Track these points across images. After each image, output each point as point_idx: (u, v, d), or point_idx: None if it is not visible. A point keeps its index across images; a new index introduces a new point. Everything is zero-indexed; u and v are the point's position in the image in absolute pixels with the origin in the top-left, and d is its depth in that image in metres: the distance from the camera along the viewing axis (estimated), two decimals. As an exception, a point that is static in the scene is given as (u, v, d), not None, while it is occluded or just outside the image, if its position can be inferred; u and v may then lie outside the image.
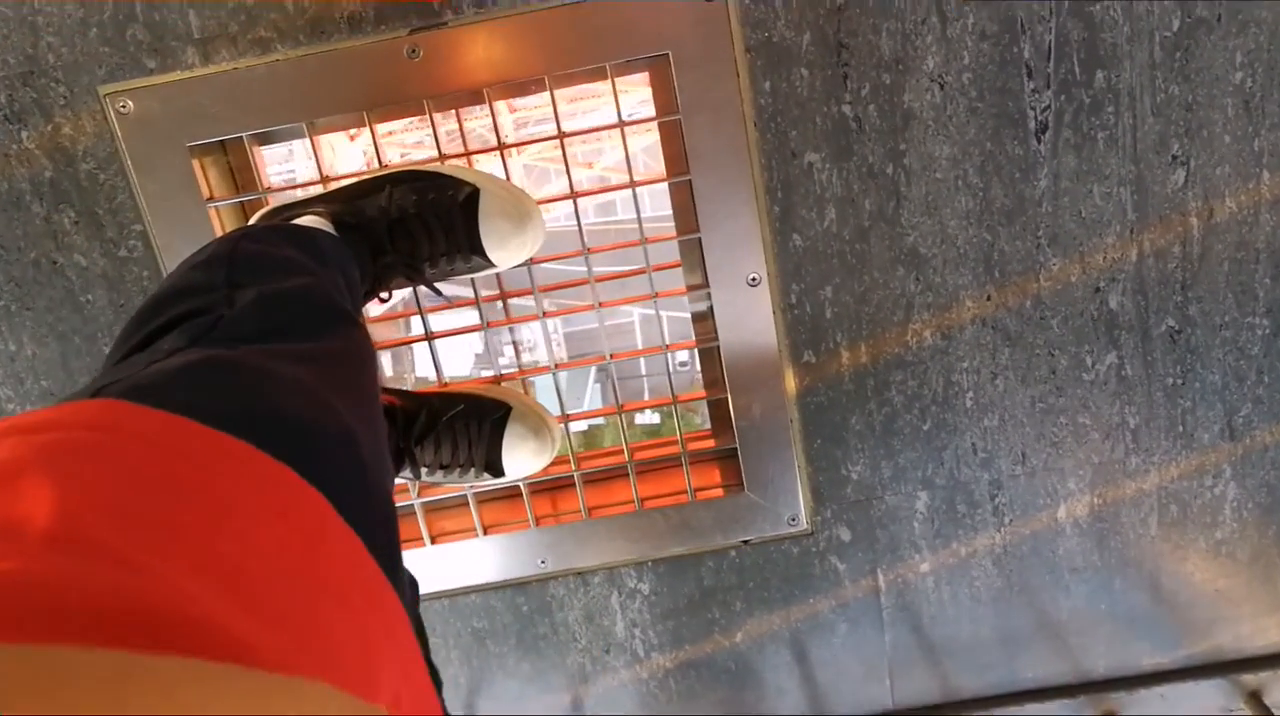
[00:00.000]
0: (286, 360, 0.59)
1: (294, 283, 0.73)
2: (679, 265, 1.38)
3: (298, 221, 1.10)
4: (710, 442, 1.41)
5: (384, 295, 1.14)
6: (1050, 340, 1.30)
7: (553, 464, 1.30)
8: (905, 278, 1.26)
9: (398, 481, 1.23)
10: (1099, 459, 1.37)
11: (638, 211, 1.25)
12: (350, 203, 1.13)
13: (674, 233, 1.29)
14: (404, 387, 1.26)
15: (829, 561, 1.41)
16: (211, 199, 1.22)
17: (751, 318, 1.27)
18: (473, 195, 1.13)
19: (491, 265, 1.15)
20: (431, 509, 1.44)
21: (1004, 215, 1.23)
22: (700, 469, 1.43)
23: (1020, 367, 1.31)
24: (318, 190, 1.19)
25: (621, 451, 1.41)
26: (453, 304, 1.24)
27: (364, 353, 0.73)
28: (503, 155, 1.21)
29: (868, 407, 1.33)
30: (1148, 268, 1.25)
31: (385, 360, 1.29)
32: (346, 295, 0.88)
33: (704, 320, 1.40)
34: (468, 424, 1.23)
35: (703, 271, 1.33)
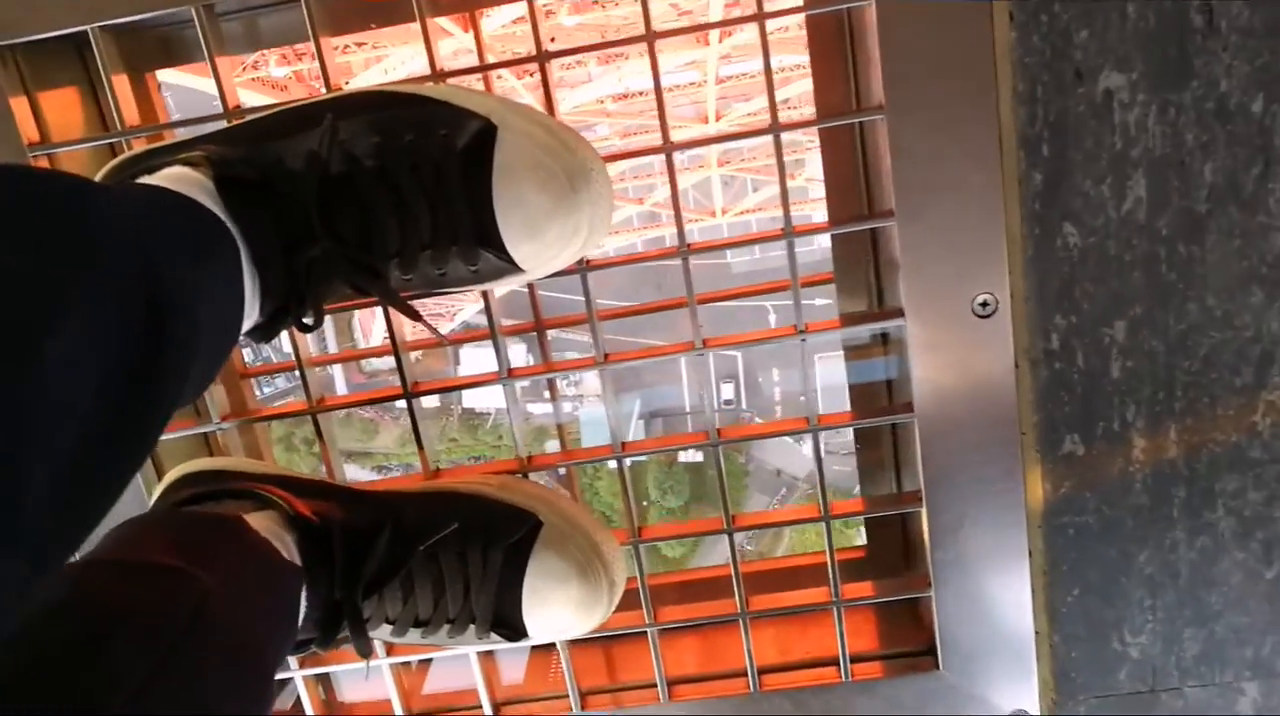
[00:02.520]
0: None
1: None
2: (830, 279, 0.84)
3: (153, 177, 0.58)
4: (868, 586, 0.84)
5: (308, 320, 0.61)
6: None
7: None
8: (1264, 309, 0.70)
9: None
10: None
11: (780, 167, 0.70)
12: (256, 144, 0.61)
13: (825, 222, 0.74)
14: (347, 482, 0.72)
15: (1070, 785, 0.83)
16: (43, 143, 0.71)
17: (974, 372, 0.71)
18: (484, 135, 0.60)
19: (515, 269, 0.62)
20: (409, 665, 0.89)
21: None
22: (857, 621, 0.86)
23: None
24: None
25: (725, 576, 0.85)
26: (445, 340, 0.70)
27: None
28: (544, 70, 0.68)
29: (1170, 536, 0.76)
30: None
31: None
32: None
33: (869, 365, 0.85)
34: (464, 552, 0.69)
35: (875, 287, 0.79)
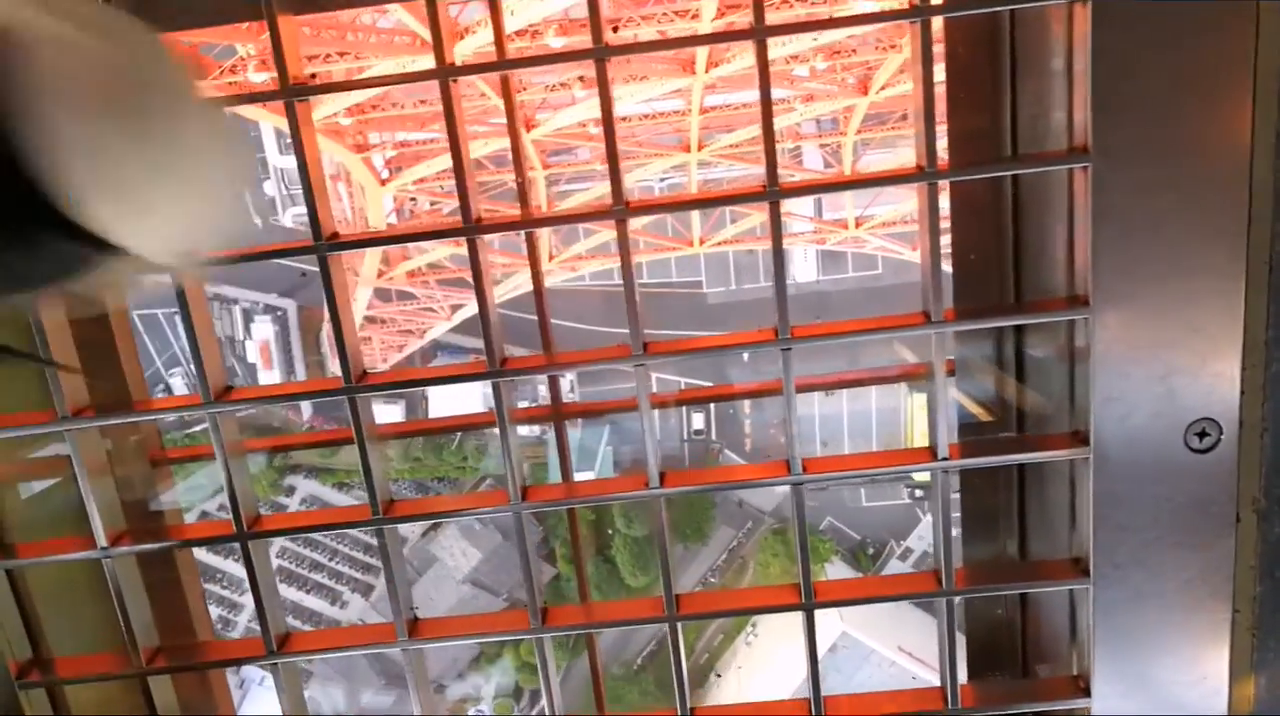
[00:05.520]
0: None
1: None
2: (920, 373, 0.64)
3: None
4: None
5: None
6: None
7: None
8: None
9: None
10: None
11: (934, 230, 0.50)
12: None
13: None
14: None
15: None
16: None
17: (1178, 523, 0.51)
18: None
19: (106, 246, 0.35)
20: None
21: None
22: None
23: None
24: None
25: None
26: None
27: None
28: (601, 69, 0.47)
29: None
30: None
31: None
32: None
33: (989, 488, 0.65)
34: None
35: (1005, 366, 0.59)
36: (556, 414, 0.60)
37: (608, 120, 0.47)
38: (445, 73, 0.47)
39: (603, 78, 0.47)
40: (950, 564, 0.53)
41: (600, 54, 0.47)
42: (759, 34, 0.47)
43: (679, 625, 0.54)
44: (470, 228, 0.48)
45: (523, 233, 0.57)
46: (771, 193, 0.48)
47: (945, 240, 0.66)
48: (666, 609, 0.54)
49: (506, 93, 0.52)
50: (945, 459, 0.51)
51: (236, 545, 0.56)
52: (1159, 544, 0.52)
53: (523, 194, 0.61)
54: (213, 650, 0.61)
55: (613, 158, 0.45)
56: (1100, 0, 0.45)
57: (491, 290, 0.48)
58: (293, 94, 0.46)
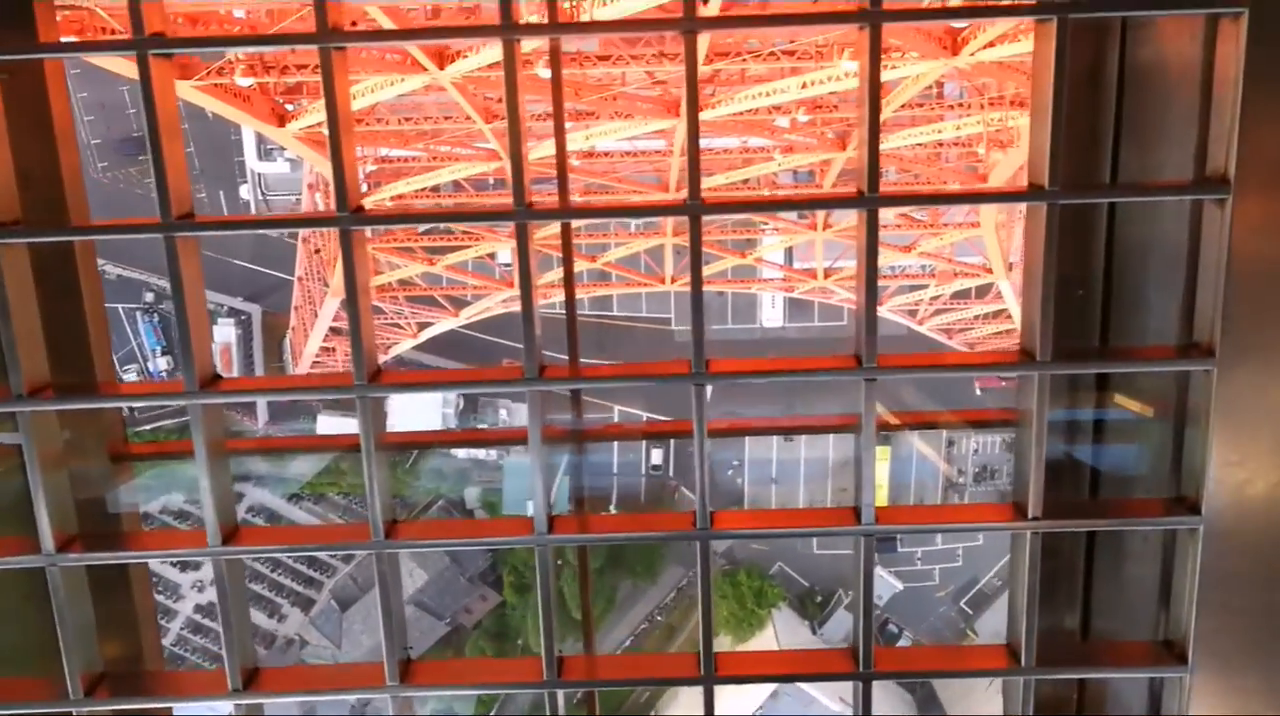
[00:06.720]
0: None
1: None
2: (1010, 418, 0.59)
3: None
4: None
5: None
6: None
7: None
8: None
9: None
10: None
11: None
12: None
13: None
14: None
15: None
16: None
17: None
18: None
19: None
20: None
21: None
22: None
23: None
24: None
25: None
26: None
27: None
28: (689, 45, 0.39)
29: None
30: None
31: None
32: None
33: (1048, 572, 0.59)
34: None
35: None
36: (576, 436, 0.53)
37: (692, 99, 0.41)
38: (508, 30, 0.40)
39: (691, 52, 0.41)
40: (1033, 638, 0.46)
41: (689, 26, 0.41)
42: (872, 18, 0.41)
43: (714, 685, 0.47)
44: (521, 212, 0.43)
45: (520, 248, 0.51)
46: (869, 199, 0.42)
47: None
48: (703, 669, 0.47)
49: (555, 61, 0.45)
50: (1036, 518, 0.45)
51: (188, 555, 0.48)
52: (1268, 631, 0.46)
53: (563, 185, 0.54)
54: (165, 683, 0.52)
55: (693, 145, 0.40)
56: (1259, 12, 0.40)
57: (535, 282, 0.42)
58: (331, 39, 0.40)
